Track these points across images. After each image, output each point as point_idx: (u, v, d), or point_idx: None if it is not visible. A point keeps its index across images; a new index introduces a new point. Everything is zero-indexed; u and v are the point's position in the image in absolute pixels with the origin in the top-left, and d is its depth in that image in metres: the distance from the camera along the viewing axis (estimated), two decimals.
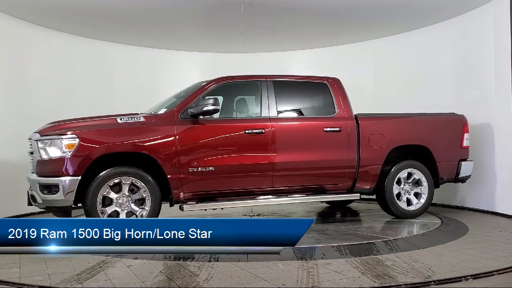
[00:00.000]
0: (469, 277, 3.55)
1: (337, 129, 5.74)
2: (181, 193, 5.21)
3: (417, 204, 6.11)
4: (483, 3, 6.87)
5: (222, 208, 5.90)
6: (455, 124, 6.43)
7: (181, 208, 5.21)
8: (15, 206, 7.17)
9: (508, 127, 6.42)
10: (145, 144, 5.05)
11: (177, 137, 5.15)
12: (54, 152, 4.89)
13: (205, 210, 5.53)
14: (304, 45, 9.17)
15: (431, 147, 6.18)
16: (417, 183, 6.14)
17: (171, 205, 5.30)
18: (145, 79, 8.96)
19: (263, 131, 5.47)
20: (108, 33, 8.13)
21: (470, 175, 6.45)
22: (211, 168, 5.27)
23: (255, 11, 7.04)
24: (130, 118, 5.21)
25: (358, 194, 5.96)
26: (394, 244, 4.60)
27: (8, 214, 7.01)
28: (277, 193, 5.62)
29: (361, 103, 7.14)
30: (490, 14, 6.81)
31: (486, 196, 6.79)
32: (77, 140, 4.86)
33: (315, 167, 5.69)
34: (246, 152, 5.46)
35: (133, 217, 4.95)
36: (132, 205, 5.01)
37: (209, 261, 4.13)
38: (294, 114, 6.00)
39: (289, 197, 5.72)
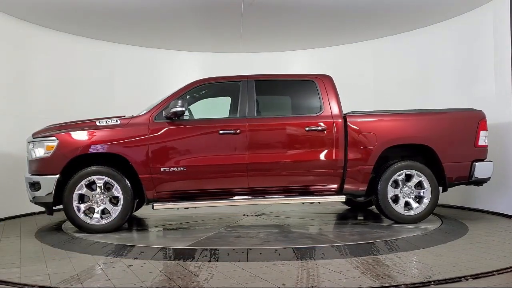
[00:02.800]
0: (469, 277, 3.55)
1: (320, 128, 5.56)
2: (154, 193, 5.43)
3: (417, 208, 5.67)
4: (483, 3, 6.88)
5: (195, 208, 6.16)
6: (468, 121, 5.85)
7: (152, 207, 5.44)
8: (15, 206, 7.18)
9: (508, 127, 6.42)
10: (117, 145, 5.38)
11: (148, 138, 5.38)
12: (39, 152, 5.42)
13: (177, 209, 5.78)
14: (304, 45, 9.19)
15: (435, 147, 5.70)
16: (420, 185, 5.71)
17: (147, 204, 5.57)
18: (145, 79, 8.97)
19: (237, 131, 5.47)
20: (108, 33, 8.14)
21: (488, 178, 5.85)
22: (183, 168, 5.40)
23: (255, 11, 7.04)
24: (108, 121, 5.54)
25: (344, 196, 5.67)
26: (394, 244, 4.60)
27: (8, 214, 7.03)
28: (255, 193, 5.59)
29: (361, 103, 7.15)
30: (490, 14, 6.81)
31: (483, 196, 6.80)
32: (56, 142, 5.35)
33: (295, 167, 5.53)
34: (220, 152, 5.49)
35: (107, 214, 5.38)
36: (107, 203, 5.37)
37: (209, 261, 4.13)
38: (275, 114, 5.93)
39: (267, 197, 5.63)
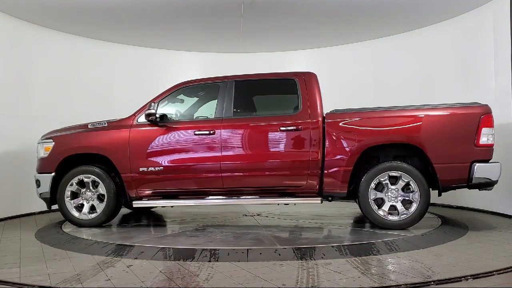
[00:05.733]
0: (469, 277, 3.55)
1: (294, 127, 5.41)
2: (135, 191, 5.72)
3: (402, 213, 5.24)
4: (483, 3, 6.89)
5: (172, 206, 6.50)
6: (467, 117, 5.22)
7: (132, 205, 5.79)
8: (15, 206, 7.18)
9: (508, 127, 6.41)
10: (100, 146, 5.76)
11: (129, 139, 5.68)
12: (41, 153, 6.00)
13: (155, 207, 6.05)
14: (304, 45, 9.19)
15: (425, 146, 5.21)
16: (410, 188, 5.26)
17: (130, 201, 5.83)
18: (145, 79, 8.98)
19: (212, 132, 5.53)
20: (108, 33, 8.14)
21: (494, 181, 5.20)
22: (160, 168, 5.61)
23: (255, 11, 7.05)
24: (97, 124, 5.95)
25: (320, 198, 5.44)
26: (394, 244, 4.59)
27: (8, 214, 7.03)
28: (231, 193, 5.62)
29: (361, 103, 7.14)
30: (490, 14, 6.82)
31: (483, 196, 6.78)
32: (52, 143, 5.90)
33: (269, 168, 5.46)
34: (195, 152, 5.59)
35: (95, 210, 5.82)
36: (95, 199, 5.82)
37: (209, 261, 4.13)
38: (250, 114, 5.91)
39: (241, 198, 5.61)
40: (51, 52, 7.87)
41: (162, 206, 6.05)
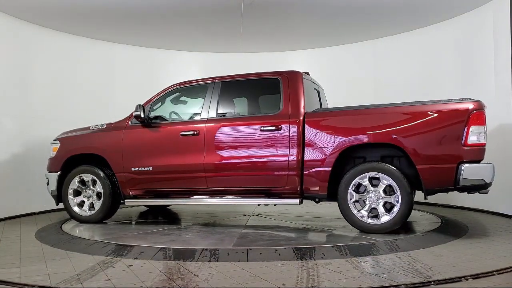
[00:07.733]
0: (469, 277, 3.55)
1: (274, 128, 5.34)
2: (128, 190, 5.96)
3: (383, 216, 4.95)
4: (483, 3, 6.89)
5: (153, 206, 6.86)
6: (453, 114, 4.80)
7: (124, 203, 6.08)
8: (15, 206, 7.18)
9: (507, 127, 6.42)
10: (97, 147, 6.11)
11: (122, 140, 5.94)
12: (51, 153, 6.43)
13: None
14: (304, 45, 9.19)
15: (405, 146, 4.88)
16: (393, 191, 4.95)
17: (123, 199, 6.05)
18: (145, 79, 8.99)
19: (196, 133, 5.61)
20: (108, 33, 8.14)
21: (486, 183, 4.77)
22: (149, 168, 5.80)
23: (255, 11, 7.05)
24: (97, 126, 6.29)
25: (298, 200, 5.27)
26: (394, 244, 4.59)
27: (8, 214, 7.03)
28: (214, 193, 5.65)
29: (361, 103, 7.14)
30: (490, 14, 6.82)
31: (483, 196, 6.77)
32: (59, 144, 6.36)
33: (249, 168, 5.43)
34: (181, 153, 5.69)
35: (93, 208, 6.14)
36: (94, 197, 6.12)
37: (209, 261, 4.13)
38: (234, 114, 5.89)
39: (224, 198, 5.61)
40: (51, 52, 7.88)
41: (147, 206, 6.48)
